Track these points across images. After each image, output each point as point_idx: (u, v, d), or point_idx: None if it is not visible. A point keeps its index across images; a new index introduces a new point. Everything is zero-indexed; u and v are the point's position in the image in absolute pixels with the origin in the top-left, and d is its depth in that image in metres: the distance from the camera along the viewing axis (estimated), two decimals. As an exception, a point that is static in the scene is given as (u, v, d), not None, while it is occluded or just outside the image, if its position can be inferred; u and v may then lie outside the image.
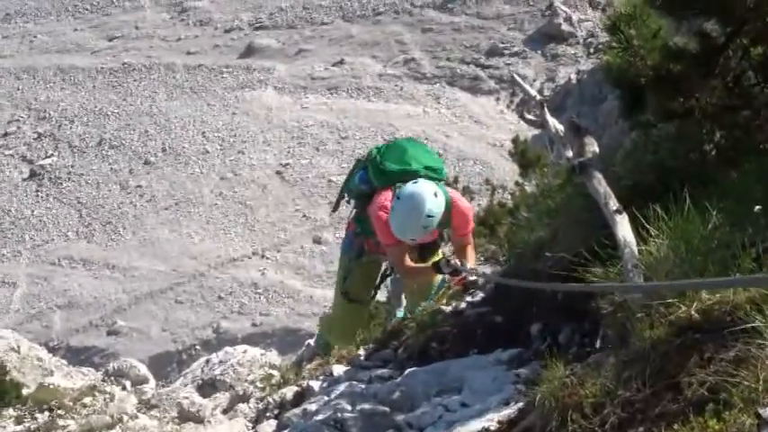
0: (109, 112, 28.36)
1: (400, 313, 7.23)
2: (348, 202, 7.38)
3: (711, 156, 4.54)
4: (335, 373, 6.20)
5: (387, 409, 4.83)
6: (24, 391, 7.84)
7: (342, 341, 7.40)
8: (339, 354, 7.05)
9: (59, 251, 23.44)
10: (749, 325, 2.81)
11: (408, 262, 6.78)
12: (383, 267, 7.44)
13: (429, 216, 6.21)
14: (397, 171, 6.69)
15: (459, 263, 6.41)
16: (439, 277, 7.01)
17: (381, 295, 8.18)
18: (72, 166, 26.48)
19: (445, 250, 7.48)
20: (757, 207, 3.49)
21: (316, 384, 6.23)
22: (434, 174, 6.83)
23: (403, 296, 7.54)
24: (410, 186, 6.31)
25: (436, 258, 6.75)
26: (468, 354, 5.41)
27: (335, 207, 7.82)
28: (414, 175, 6.58)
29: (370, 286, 7.49)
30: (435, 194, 6.26)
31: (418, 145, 7.29)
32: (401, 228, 6.34)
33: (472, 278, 6.42)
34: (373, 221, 6.67)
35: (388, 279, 7.53)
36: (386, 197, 6.56)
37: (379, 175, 6.81)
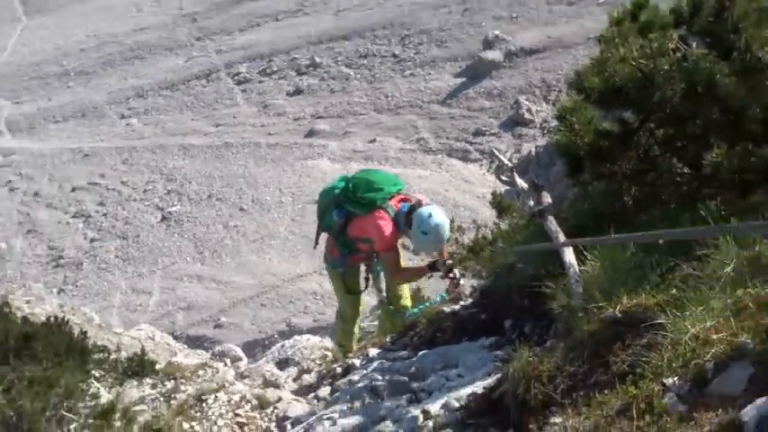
0: (215, 175, 28.55)
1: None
2: (328, 233, 6.42)
3: (629, 205, 4.53)
4: (371, 354, 6.19)
5: (406, 379, 4.82)
6: (157, 366, 7.86)
7: (350, 325, 6.92)
8: (373, 341, 7.03)
9: (181, 271, 23.53)
10: (656, 321, 2.81)
11: (403, 264, 6.14)
12: (362, 269, 6.71)
13: (449, 230, 5.81)
14: (379, 197, 5.89)
15: (452, 262, 5.95)
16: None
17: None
18: (190, 212, 26.62)
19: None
20: (660, 240, 3.48)
21: (357, 362, 6.22)
22: (399, 187, 6.09)
23: (382, 280, 6.76)
24: (429, 220, 5.60)
25: (432, 260, 6.09)
26: (462, 341, 5.40)
27: (316, 243, 6.81)
28: (389, 195, 5.93)
29: (357, 282, 6.68)
30: (440, 210, 5.75)
31: (375, 172, 6.38)
32: (436, 247, 5.86)
33: (462, 282, 6.25)
34: (376, 235, 5.87)
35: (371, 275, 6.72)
36: (382, 216, 5.84)
37: (361, 206, 5.95)
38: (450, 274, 5.93)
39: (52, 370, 5.82)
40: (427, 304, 6.99)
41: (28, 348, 5.99)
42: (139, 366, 7.55)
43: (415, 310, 6.62)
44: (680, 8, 4.56)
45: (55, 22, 52.66)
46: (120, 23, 47.90)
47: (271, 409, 6.24)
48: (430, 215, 5.63)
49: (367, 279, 6.69)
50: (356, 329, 7.10)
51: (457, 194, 24.08)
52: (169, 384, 7.07)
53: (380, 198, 5.91)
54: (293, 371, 8.23)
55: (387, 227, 5.82)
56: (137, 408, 6.40)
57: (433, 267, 5.97)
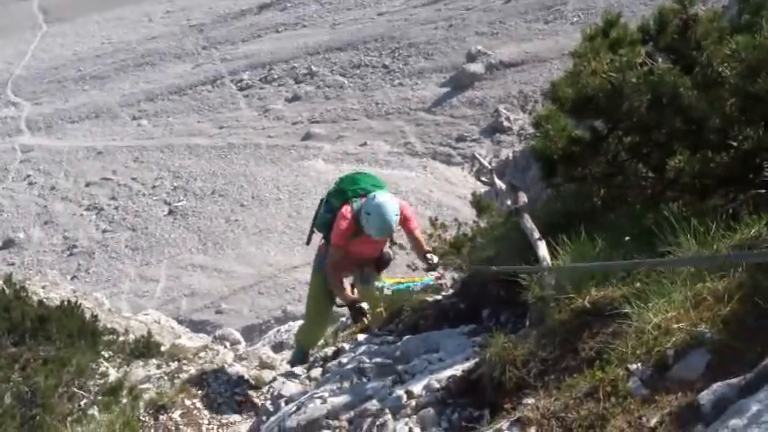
0: (218, 174, 28.43)
1: (378, 283, 6.37)
2: (320, 231, 6.07)
3: (598, 205, 4.53)
4: (359, 339, 6.16)
5: (391, 361, 4.80)
6: (162, 348, 7.83)
7: (315, 326, 6.48)
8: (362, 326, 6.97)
9: (186, 260, 23.43)
10: (622, 311, 2.81)
11: (337, 267, 5.72)
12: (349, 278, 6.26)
13: (396, 214, 5.35)
14: (351, 189, 5.68)
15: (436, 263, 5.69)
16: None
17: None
18: (195, 207, 26.51)
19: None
20: (626, 237, 3.48)
21: (347, 346, 6.20)
22: (379, 187, 5.75)
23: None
24: (373, 200, 5.35)
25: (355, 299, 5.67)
26: (443, 327, 5.38)
27: (308, 240, 6.31)
28: (363, 191, 5.65)
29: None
30: (392, 197, 5.45)
31: (363, 174, 6.01)
32: (381, 229, 5.38)
33: (441, 280, 6.18)
34: (334, 228, 5.62)
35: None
36: (345, 209, 5.57)
37: (337, 196, 5.75)
38: (435, 273, 5.86)
39: (65, 350, 5.78)
40: (404, 286, 6.90)
41: (43, 330, 5.95)
42: (146, 348, 7.52)
43: (401, 286, 6.52)
44: (647, 26, 4.57)
45: (73, 29, 52.33)
46: (133, 32, 47.68)
47: (266, 388, 6.21)
48: (374, 197, 5.39)
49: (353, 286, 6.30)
50: (321, 333, 6.73)
51: (440, 195, 24.05)
52: (173, 365, 7.04)
53: (352, 191, 5.70)
54: (287, 354, 8.20)
55: (342, 223, 5.55)
56: (143, 386, 6.36)
57: (352, 306, 5.61)
